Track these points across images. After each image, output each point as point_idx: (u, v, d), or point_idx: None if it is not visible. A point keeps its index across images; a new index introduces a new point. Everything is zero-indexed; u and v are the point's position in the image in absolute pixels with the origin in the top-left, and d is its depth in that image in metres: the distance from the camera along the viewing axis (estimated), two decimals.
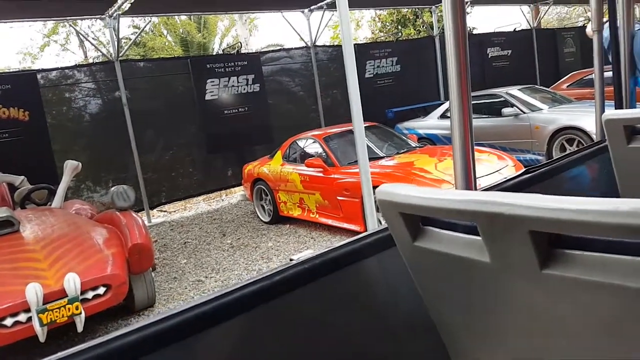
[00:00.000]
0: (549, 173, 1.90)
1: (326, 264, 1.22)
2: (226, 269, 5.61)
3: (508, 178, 1.78)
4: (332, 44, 13.36)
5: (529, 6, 13.69)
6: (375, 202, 4.29)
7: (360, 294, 1.30)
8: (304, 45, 10.41)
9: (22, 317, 3.64)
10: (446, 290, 1.01)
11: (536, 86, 10.01)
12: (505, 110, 7.90)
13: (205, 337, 1.04)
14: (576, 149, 6.73)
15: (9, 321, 3.60)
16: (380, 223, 4.68)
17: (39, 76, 7.80)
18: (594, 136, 4.79)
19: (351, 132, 4.51)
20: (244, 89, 9.42)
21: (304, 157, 6.70)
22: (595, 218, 0.63)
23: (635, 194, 1.74)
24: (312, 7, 9.82)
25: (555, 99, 8.68)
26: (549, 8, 13.90)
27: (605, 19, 2.54)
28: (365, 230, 5.05)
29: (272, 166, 7.16)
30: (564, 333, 0.80)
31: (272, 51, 10.84)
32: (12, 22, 8.24)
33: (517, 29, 13.71)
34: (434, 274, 1.01)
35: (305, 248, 5.93)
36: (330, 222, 6.18)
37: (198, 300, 1.04)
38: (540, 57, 13.61)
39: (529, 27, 13.69)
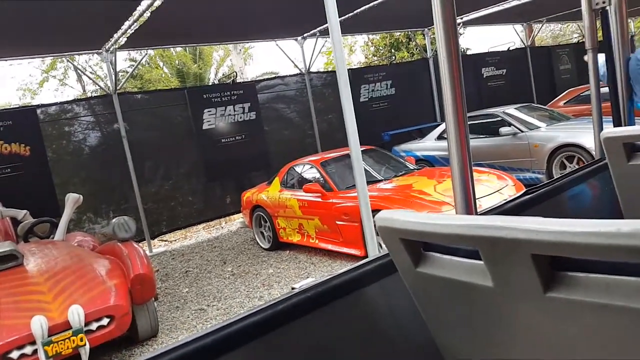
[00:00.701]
0: (549, 193, 1.89)
1: (328, 292, 1.21)
2: (228, 297, 5.56)
3: (509, 199, 1.78)
4: (326, 70, 13.50)
5: (522, 25, 13.84)
6: (375, 226, 4.28)
7: (364, 321, 1.29)
8: (299, 72, 10.51)
9: (28, 349, 3.66)
10: (450, 315, 1.00)
11: (533, 104, 10.06)
12: (503, 130, 7.92)
13: None
14: (576, 166, 6.76)
15: (15, 354, 3.62)
16: (381, 247, 4.66)
17: (38, 111, 7.86)
18: (594, 153, 4.79)
19: (348, 156, 4.52)
20: (241, 117, 9.49)
21: (301, 182, 6.71)
22: (596, 240, 0.63)
23: (637, 211, 1.73)
24: (305, 35, 9.96)
25: (553, 116, 8.71)
26: (542, 26, 14.06)
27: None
28: (366, 254, 5.04)
29: (270, 192, 7.16)
30: (569, 355, 0.79)
31: (267, 79, 10.95)
32: (11, 59, 8.34)
33: (511, 48, 13.84)
34: (437, 299, 1.00)
35: (305, 274, 5.90)
36: (330, 247, 6.15)
37: (199, 333, 1.03)
38: (535, 75, 13.70)
39: (523, 46, 13.82)
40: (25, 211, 6.32)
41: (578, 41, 18.05)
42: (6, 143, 7.34)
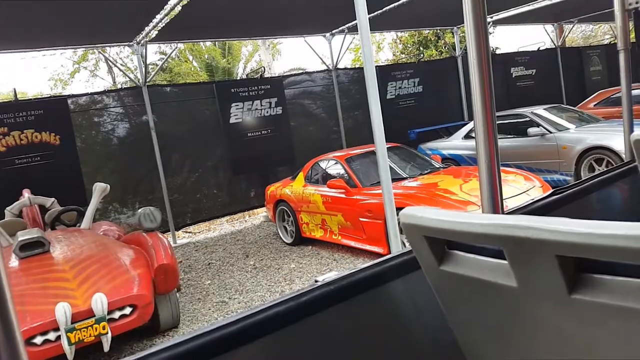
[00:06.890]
0: (577, 194, 1.86)
1: (352, 286, 1.21)
2: (249, 290, 5.61)
3: (536, 199, 1.76)
4: (353, 67, 13.45)
5: (553, 25, 13.61)
6: (399, 224, 4.26)
7: (386, 316, 1.29)
8: (326, 68, 10.52)
9: (51, 335, 3.72)
10: (473, 314, 1.00)
11: (562, 105, 9.88)
12: (531, 130, 7.81)
13: (231, 358, 1.04)
14: (605, 169, 6.63)
15: (38, 339, 3.68)
16: (404, 245, 4.64)
17: (69, 101, 8.02)
18: (623, 156, 4.68)
19: (373, 153, 4.51)
20: (267, 112, 9.54)
21: (326, 178, 6.71)
22: (622, 243, 0.62)
23: None
24: (333, 31, 9.96)
25: (583, 118, 8.55)
26: (573, 26, 13.80)
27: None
28: (389, 252, 5.02)
29: (294, 187, 7.18)
30: (592, 358, 0.78)
31: (295, 75, 10.99)
32: (45, 49, 8.52)
33: (541, 48, 13.61)
34: (460, 297, 1.00)
35: (327, 270, 5.90)
36: (352, 243, 6.14)
37: (223, 321, 1.05)
38: (565, 76, 13.47)
39: (554, 46, 13.59)
40: (53, 199, 6.44)
41: (610, 42, 17.67)
42: (37, 131, 7.51)
